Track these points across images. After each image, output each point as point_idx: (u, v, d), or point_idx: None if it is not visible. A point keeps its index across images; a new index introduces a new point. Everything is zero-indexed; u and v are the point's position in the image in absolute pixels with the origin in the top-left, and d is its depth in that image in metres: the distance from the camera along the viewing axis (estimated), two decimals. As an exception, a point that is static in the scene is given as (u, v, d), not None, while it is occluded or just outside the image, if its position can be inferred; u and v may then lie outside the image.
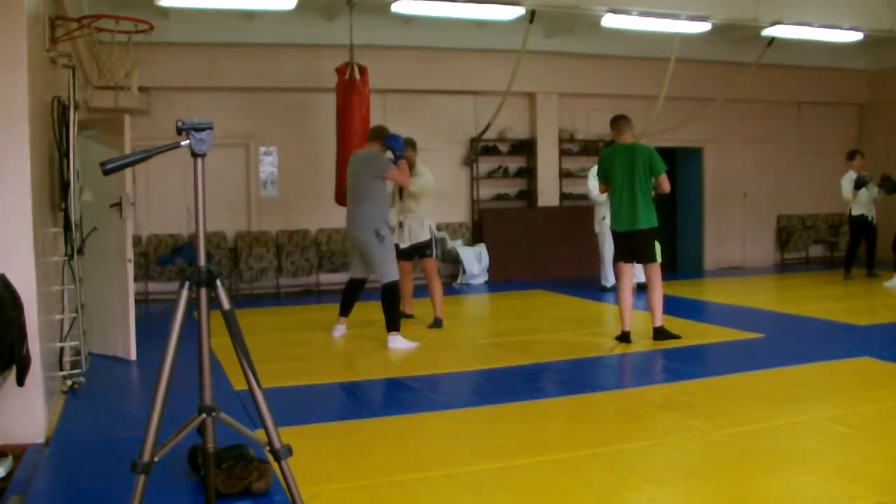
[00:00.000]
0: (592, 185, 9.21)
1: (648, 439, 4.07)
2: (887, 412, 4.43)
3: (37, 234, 4.15)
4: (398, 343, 6.58)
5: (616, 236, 6.73)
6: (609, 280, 9.66)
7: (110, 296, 6.22)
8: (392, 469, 3.65)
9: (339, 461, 3.77)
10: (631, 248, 6.60)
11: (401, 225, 7.56)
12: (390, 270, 6.60)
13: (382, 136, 6.80)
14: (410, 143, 7.61)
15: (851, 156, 10.62)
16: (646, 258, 6.59)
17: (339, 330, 7.08)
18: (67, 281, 5.27)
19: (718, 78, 11.63)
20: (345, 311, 7.05)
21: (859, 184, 10.30)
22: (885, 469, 3.52)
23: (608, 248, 9.08)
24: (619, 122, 6.72)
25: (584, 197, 12.12)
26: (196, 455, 3.43)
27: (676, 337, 6.62)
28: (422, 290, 8.31)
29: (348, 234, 6.85)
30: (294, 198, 10.66)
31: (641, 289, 7.89)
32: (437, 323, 7.52)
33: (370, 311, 7.56)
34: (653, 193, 6.58)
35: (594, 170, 8.48)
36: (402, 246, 7.50)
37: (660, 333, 6.62)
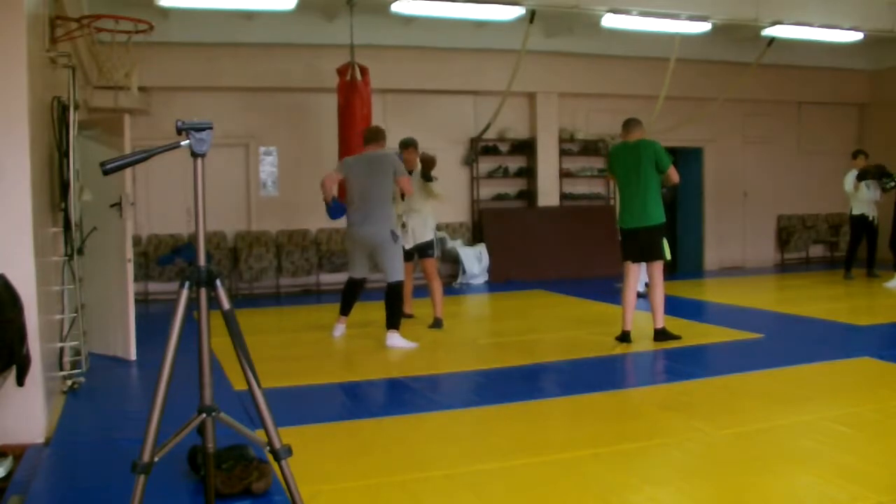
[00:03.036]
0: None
1: (648, 439, 4.07)
2: (887, 412, 4.42)
3: (37, 234, 4.15)
4: (397, 341, 6.58)
5: (624, 234, 6.68)
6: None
7: (110, 296, 6.22)
8: (392, 469, 3.65)
9: (339, 461, 3.77)
10: (639, 245, 6.58)
11: (404, 226, 7.54)
12: (399, 270, 6.65)
13: (383, 137, 6.82)
14: (412, 144, 7.67)
15: (855, 155, 10.65)
16: (653, 255, 6.57)
17: (340, 329, 7.08)
18: (67, 281, 5.27)
19: (718, 78, 11.63)
20: (345, 311, 7.05)
21: (862, 176, 10.32)
22: (886, 469, 3.52)
23: None
24: (628, 123, 6.73)
25: (584, 197, 12.19)
26: (196, 455, 3.43)
27: (677, 338, 6.61)
28: (421, 291, 8.32)
29: (358, 233, 6.70)
30: (294, 198, 10.66)
31: (642, 297, 7.90)
32: (437, 323, 7.51)
33: (370, 311, 7.56)
34: (663, 190, 6.58)
35: None
36: (407, 247, 7.51)
37: (661, 335, 6.61)
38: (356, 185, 6.71)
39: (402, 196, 7.53)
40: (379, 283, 6.85)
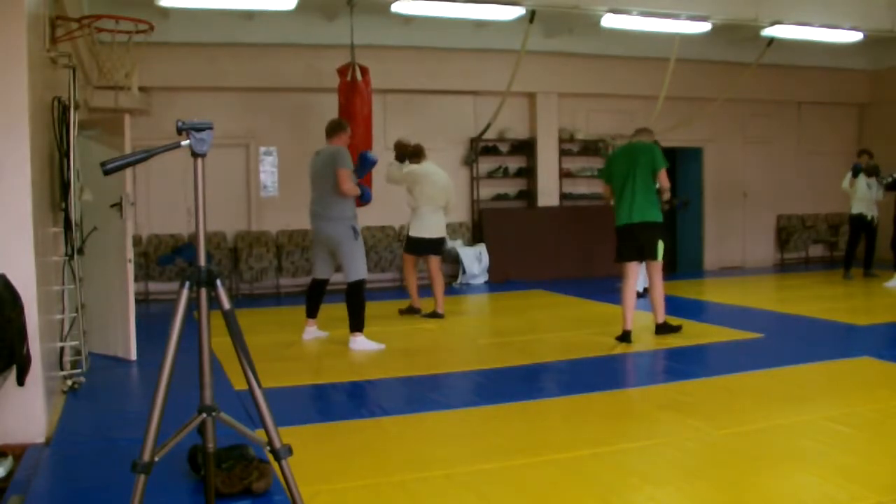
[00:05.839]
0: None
1: (648, 439, 4.07)
2: (887, 412, 4.42)
3: (37, 234, 4.15)
4: (361, 344, 6.50)
5: (621, 232, 6.67)
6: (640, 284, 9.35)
7: (110, 296, 6.22)
8: (392, 469, 3.65)
9: (339, 461, 3.78)
10: (637, 243, 6.58)
11: (418, 217, 7.91)
12: (360, 268, 6.52)
13: (341, 129, 6.73)
14: (409, 148, 8.10)
15: (859, 154, 10.69)
16: (652, 254, 6.59)
17: (310, 332, 6.97)
18: (67, 281, 5.27)
19: (718, 78, 11.63)
20: (312, 314, 6.93)
21: (856, 171, 10.34)
22: (885, 469, 3.52)
23: None
24: (638, 131, 6.87)
25: (584, 197, 12.19)
26: (196, 455, 3.43)
27: (678, 329, 6.67)
28: (423, 291, 8.35)
29: (316, 230, 6.69)
30: (294, 198, 10.62)
31: (642, 296, 7.91)
32: (434, 314, 7.74)
33: (373, 312, 7.55)
34: (665, 205, 6.69)
35: None
36: (414, 236, 7.95)
37: (662, 328, 6.69)
38: (312, 182, 6.71)
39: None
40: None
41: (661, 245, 6.61)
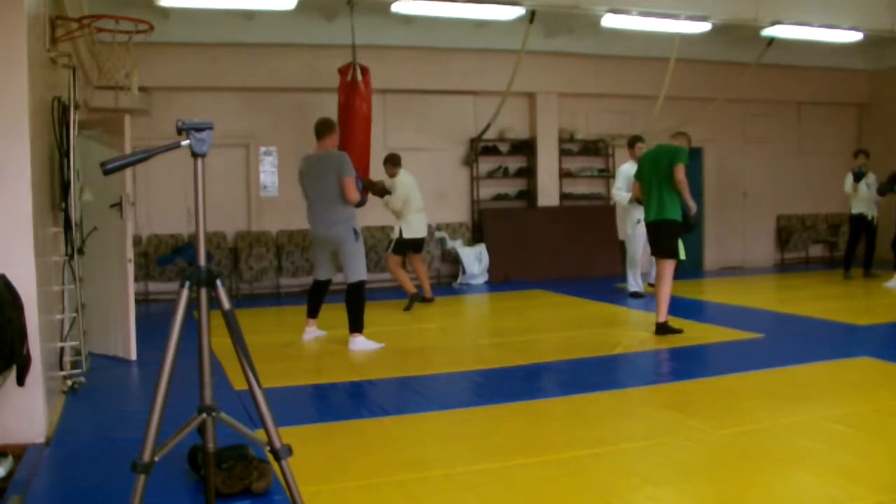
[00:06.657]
0: (618, 186, 9.39)
1: (648, 439, 4.07)
2: (887, 412, 4.43)
3: (37, 234, 4.15)
4: (361, 345, 6.53)
5: (647, 230, 7.05)
6: (632, 286, 9.34)
7: (110, 296, 6.22)
8: (392, 469, 3.65)
9: (339, 461, 3.78)
10: (653, 239, 6.91)
11: (408, 221, 8.67)
12: (361, 269, 6.57)
13: (332, 130, 6.69)
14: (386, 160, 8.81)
15: (856, 155, 10.70)
16: (664, 251, 6.76)
17: (311, 332, 7.00)
18: (67, 281, 5.27)
19: (718, 78, 11.64)
20: (312, 313, 6.98)
21: (858, 176, 10.34)
22: (885, 469, 3.52)
23: (638, 251, 9.11)
24: (673, 135, 7.26)
25: (584, 197, 12.19)
26: (196, 455, 3.43)
27: (678, 332, 6.68)
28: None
29: (318, 234, 6.69)
30: (294, 198, 10.58)
31: (641, 296, 7.96)
32: (426, 300, 8.81)
33: (370, 312, 7.55)
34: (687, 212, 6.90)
35: (622, 169, 9.17)
36: (409, 237, 8.72)
37: (662, 329, 6.71)
38: (308, 185, 6.68)
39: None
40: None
41: (680, 244, 6.74)
